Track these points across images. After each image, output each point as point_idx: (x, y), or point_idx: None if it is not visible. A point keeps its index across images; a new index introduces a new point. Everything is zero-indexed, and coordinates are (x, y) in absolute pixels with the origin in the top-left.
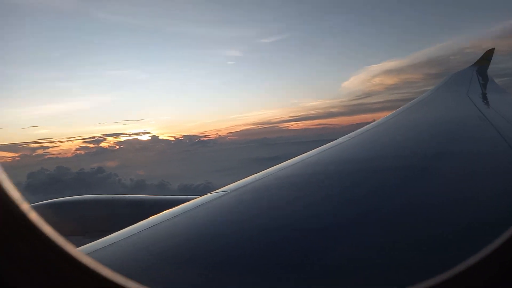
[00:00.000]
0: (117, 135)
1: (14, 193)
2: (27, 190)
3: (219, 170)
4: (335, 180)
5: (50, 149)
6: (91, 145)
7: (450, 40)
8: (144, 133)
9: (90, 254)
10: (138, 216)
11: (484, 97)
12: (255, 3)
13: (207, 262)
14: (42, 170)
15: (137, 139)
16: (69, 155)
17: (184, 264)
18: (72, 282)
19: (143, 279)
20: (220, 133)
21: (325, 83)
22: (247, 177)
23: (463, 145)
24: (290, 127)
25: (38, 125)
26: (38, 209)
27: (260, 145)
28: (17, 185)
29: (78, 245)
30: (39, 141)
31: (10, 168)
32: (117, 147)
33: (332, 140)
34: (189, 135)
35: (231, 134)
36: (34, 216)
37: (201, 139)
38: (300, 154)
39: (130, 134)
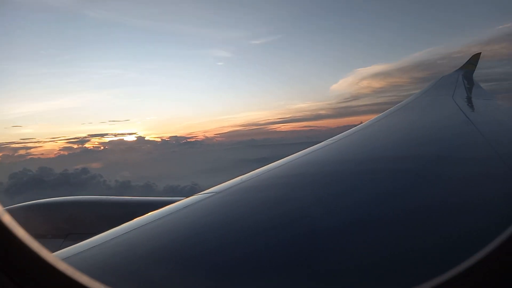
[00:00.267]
0: (102, 135)
1: None
2: (9, 191)
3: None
4: (322, 182)
5: (32, 150)
6: (75, 146)
7: (438, 45)
8: (130, 134)
9: (71, 257)
10: (122, 218)
11: (469, 101)
12: (245, 4)
13: (192, 264)
14: (25, 170)
15: (122, 139)
16: (52, 155)
17: (168, 266)
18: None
19: (124, 282)
20: (207, 134)
21: (314, 85)
22: (234, 178)
23: (447, 148)
24: (277, 129)
25: (21, 125)
26: (19, 211)
27: (248, 146)
28: None
29: (60, 248)
30: (22, 141)
31: None
32: (102, 147)
33: (319, 142)
34: (176, 136)
35: (218, 135)
36: (7, 219)
37: (188, 140)
38: (287, 156)
39: (115, 135)
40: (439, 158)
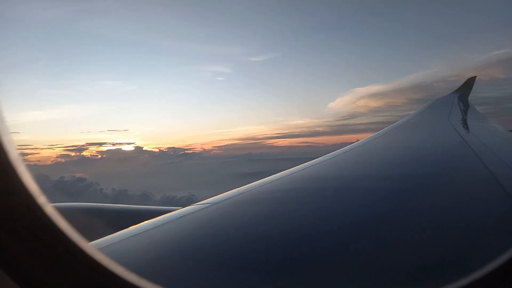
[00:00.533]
0: (100, 144)
1: (32, 186)
2: None
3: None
4: (317, 196)
5: (29, 156)
6: (73, 153)
7: (435, 68)
8: (128, 143)
9: None
10: (116, 226)
11: (465, 123)
12: (246, 22)
13: (185, 274)
14: None
15: (120, 149)
16: (49, 162)
17: (160, 276)
18: (84, 278)
19: None
20: (205, 147)
21: (311, 102)
22: (230, 190)
23: (442, 168)
24: (275, 144)
25: (19, 132)
26: None
27: (245, 160)
28: None
29: None
30: (18, 147)
31: None
32: (100, 156)
33: (316, 158)
34: (174, 147)
35: (216, 148)
36: (50, 209)
37: (186, 151)
38: (284, 170)
39: (113, 144)
40: (434, 178)
